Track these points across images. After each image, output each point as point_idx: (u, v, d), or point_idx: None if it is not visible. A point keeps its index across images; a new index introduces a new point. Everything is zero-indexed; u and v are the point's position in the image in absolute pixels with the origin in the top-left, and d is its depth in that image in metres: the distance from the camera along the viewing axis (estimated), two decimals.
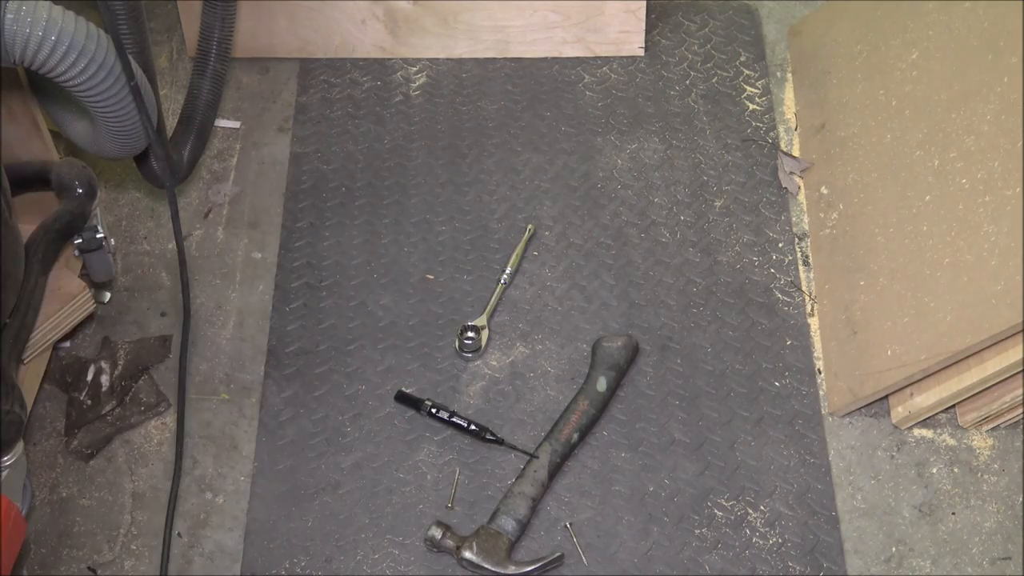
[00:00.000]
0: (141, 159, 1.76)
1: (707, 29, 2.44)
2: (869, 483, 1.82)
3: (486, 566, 1.69)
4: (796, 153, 2.23)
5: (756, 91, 2.33)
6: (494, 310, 2.01)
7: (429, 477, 1.83)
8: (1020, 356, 1.67)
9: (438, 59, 2.39)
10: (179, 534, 1.78)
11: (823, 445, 1.85)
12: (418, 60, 2.40)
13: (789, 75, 2.36)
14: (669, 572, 1.73)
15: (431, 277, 2.07)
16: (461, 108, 2.32)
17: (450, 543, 1.71)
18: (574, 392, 1.89)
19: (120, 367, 1.94)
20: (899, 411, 1.86)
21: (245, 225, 2.16)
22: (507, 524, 1.73)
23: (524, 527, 1.75)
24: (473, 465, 1.84)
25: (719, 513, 1.78)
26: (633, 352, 1.93)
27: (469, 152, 2.25)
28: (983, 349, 1.70)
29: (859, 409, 1.89)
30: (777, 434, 1.87)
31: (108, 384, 1.92)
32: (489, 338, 1.98)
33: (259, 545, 1.76)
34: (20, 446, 1.53)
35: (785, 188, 2.18)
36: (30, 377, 1.81)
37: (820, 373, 1.94)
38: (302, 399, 1.92)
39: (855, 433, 1.88)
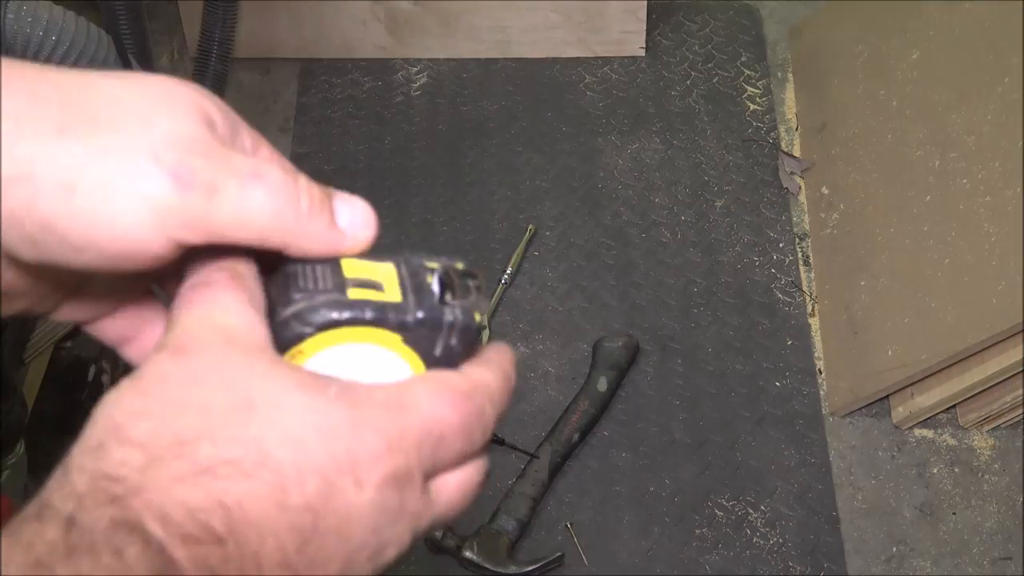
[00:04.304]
0: None
1: (708, 29, 2.44)
2: (870, 483, 1.82)
3: (487, 566, 1.69)
4: (797, 153, 2.23)
5: (757, 91, 2.33)
6: (494, 310, 2.02)
7: None
8: (1021, 356, 1.67)
9: (439, 59, 2.40)
10: None
11: (824, 445, 1.85)
12: (419, 60, 2.40)
13: (790, 75, 2.36)
14: (670, 572, 1.73)
15: None
16: (462, 108, 2.32)
17: (450, 543, 1.71)
18: (575, 392, 1.89)
19: (121, 367, 1.94)
20: (900, 411, 1.86)
21: None
22: (507, 524, 1.73)
23: (524, 527, 1.75)
24: None
25: (720, 513, 1.78)
26: (634, 352, 1.93)
27: (470, 152, 2.25)
28: (984, 349, 1.70)
29: (860, 409, 1.89)
30: (777, 434, 1.86)
31: (109, 384, 1.92)
32: (489, 338, 1.98)
33: None
34: (21, 446, 1.53)
35: (786, 188, 2.18)
36: (30, 377, 1.81)
37: (821, 373, 1.94)
38: None
39: (856, 433, 1.88)
